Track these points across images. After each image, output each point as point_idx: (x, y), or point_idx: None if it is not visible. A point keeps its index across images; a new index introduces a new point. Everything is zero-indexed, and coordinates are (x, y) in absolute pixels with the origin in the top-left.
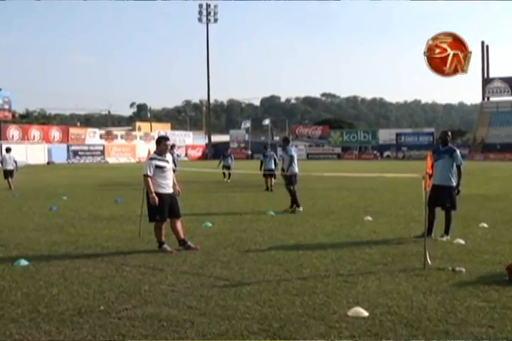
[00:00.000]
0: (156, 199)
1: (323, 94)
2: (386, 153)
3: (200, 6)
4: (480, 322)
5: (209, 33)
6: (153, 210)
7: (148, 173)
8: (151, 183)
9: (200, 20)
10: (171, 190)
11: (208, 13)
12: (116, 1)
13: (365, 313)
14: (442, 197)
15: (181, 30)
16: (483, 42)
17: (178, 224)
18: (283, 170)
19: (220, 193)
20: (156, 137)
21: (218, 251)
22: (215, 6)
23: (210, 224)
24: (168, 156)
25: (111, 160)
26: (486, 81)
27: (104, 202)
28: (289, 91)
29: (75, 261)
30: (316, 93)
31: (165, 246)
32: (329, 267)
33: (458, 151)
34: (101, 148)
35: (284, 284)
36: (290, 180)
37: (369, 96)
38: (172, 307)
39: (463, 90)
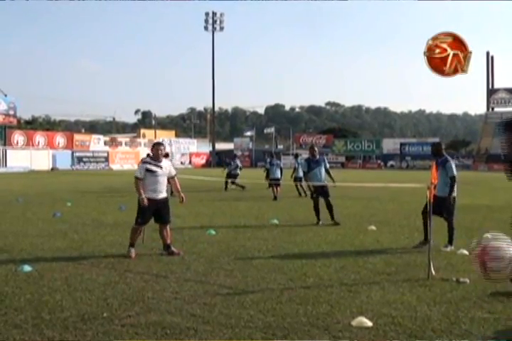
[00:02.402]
0: (146, 201)
1: (328, 103)
2: (390, 163)
3: (207, 14)
4: (484, 334)
5: (215, 41)
6: (137, 213)
7: (139, 176)
8: (140, 186)
9: (206, 28)
10: (160, 196)
11: (214, 22)
12: (123, 9)
13: (369, 323)
14: (438, 208)
15: (187, 38)
16: (488, 53)
17: (165, 230)
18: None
19: (224, 201)
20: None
21: (222, 259)
22: (221, 15)
23: (213, 232)
24: (165, 162)
25: (115, 166)
26: (491, 91)
27: (108, 208)
28: (293, 99)
29: (79, 267)
30: (320, 102)
31: (132, 249)
32: (333, 276)
33: (451, 162)
34: (105, 154)
35: (287, 293)
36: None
37: (373, 106)
38: (175, 314)
39: (467, 100)
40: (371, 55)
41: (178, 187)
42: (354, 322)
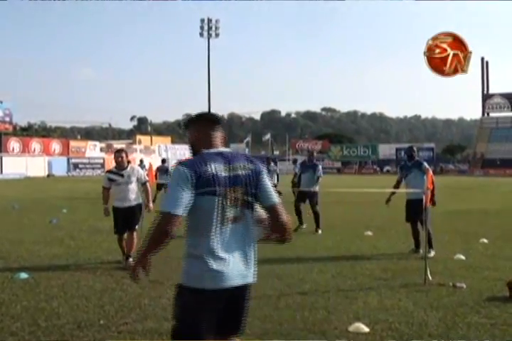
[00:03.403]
0: (106, 211)
1: (324, 109)
2: (386, 168)
3: (202, 20)
4: (481, 339)
5: (210, 48)
6: (114, 223)
7: (104, 185)
8: (105, 195)
9: (201, 34)
10: (126, 204)
11: (210, 28)
12: (118, 16)
13: (366, 329)
14: (418, 212)
15: (183, 45)
16: (483, 58)
17: (129, 239)
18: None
19: None
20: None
21: None
22: (217, 21)
23: None
24: (129, 170)
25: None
26: (486, 96)
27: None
28: (289, 105)
29: (75, 274)
30: (316, 107)
31: (129, 259)
32: (330, 282)
33: (425, 164)
34: (101, 161)
35: (284, 299)
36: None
37: (369, 111)
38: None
39: (463, 105)
40: (367, 60)
41: (149, 195)
42: (351, 328)
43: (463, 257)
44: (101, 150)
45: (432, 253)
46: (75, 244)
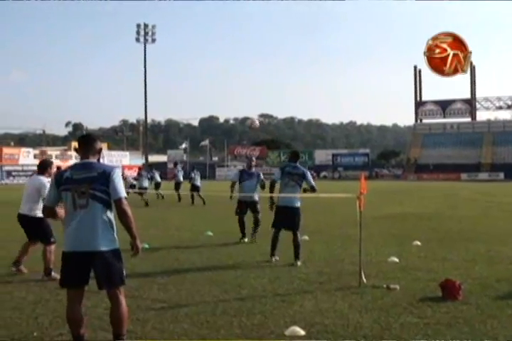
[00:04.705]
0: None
1: (261, 115)
2: (323, 174)
3: (138, 26)
4: (414, 338)
5: (146, 53)
6: (49, 232)
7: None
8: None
9: (137, 40)
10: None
11: (146, 33)
12: (53, 17)
13: (302, 332)
14: (288, 220)
15: (118, 50)
16: (415, 67)
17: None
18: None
19: (157, 213)
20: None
21: (155, 273)
22: (153, 27)
23: (146, 246)
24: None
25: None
26: (419, 104)
27: None
28: (227, 111)
29: (8, 285)
30: (253, 114)
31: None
32: (267, 287)
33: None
34: (35, 168)
35: (222, 305)
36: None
37: (305, 118)
38: (108, 331)
39: (396, 112)
40: (304, 68)
41: None
42: (287, 332)
43: (396, 259)
44: (35, 157)
45: (299, 263)
46: (7, 254)
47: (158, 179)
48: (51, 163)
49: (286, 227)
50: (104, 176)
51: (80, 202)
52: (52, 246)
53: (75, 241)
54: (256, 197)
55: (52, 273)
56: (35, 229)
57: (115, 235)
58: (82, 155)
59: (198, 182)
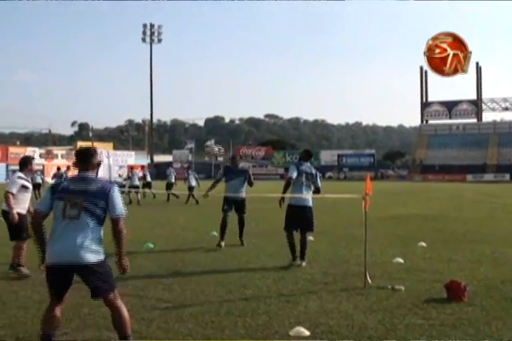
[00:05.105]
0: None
1: (267, 115)
2: (328, 174)
3: (144, 26)
4: (419, 339)
5: (153, 53)
6: (24, 228)
7: (13, 191)
8: (12, 201)
9: (144, 40)
10: (26, 212)
11: (152, 33)
12: (59, 17)
13: (307, 333)
14: (300, 220)
15: (124, 50)
16: (421, 67)
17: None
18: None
19: (162, 214)
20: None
21: (160, 273)
22: (159, 27)
23: (151, 246)
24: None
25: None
26: (425, 104)
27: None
28: (232, 111)
29: (13, 284)
30: (259, 114)
31: (24, 268)
32: (271, 287)
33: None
34: (40, 167)
35: (226, 305)
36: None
37: (311, 118)
38: (112, 330)
39: (402, 113)
40: (310, 68)
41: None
42: (292, 332)
43: (401, 260)
44: (40, 156)
45: (304, 264)
46: (12, 253)
47: (149, 178)
48: (31, 159)
49: (301, 228)
50: (103, 191)
51: (71, 213)
52: (25, 243)
53: (60, 252)
54: (243, 194)
55: (22, 269)
56: (11, 224)
57: (102, 249)
58: (80, 169)
59: (193, 182)
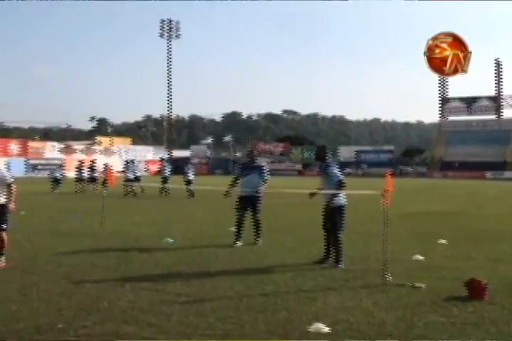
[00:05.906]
0: None
1: (285, 111)
2: (346, 170)
3: (162, 21)
4: (440, 338)
5: (171, 49)
6: (4, 219)
7: None
8: None
9: (161, 35)
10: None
11: (170, 29)
12: (78, 14)
13: (326, 329)
14: (325, 219)
15: (142, 45)
16: None
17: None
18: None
19: (180, 208)
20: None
21: (179, 267)
22: (177, 22)
23: (170, 240)
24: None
25: (70, 174)
26: (444, 101)
27: (63, 217)
28: (250, 107)
29: (33, 277)
30: (277, 109)
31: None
32: (290, 283)
33: (333, 166)
34: (60, 162)
35: (246, 300)
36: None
37: (329, 114)
38: (131, 324)
39: (421, 109)
40: (328, 64)
41: (12, 196)
42: (311, 329)
43: (422, 258)
44: (60, 151)
45: (340, 266)
46: (33, 247)
47: (138, 173)
48: None
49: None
50: None
51: None
52: (4, 233)
53: None
54: (259, 193)
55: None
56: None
57: None
58: None
59: (191, 176)
